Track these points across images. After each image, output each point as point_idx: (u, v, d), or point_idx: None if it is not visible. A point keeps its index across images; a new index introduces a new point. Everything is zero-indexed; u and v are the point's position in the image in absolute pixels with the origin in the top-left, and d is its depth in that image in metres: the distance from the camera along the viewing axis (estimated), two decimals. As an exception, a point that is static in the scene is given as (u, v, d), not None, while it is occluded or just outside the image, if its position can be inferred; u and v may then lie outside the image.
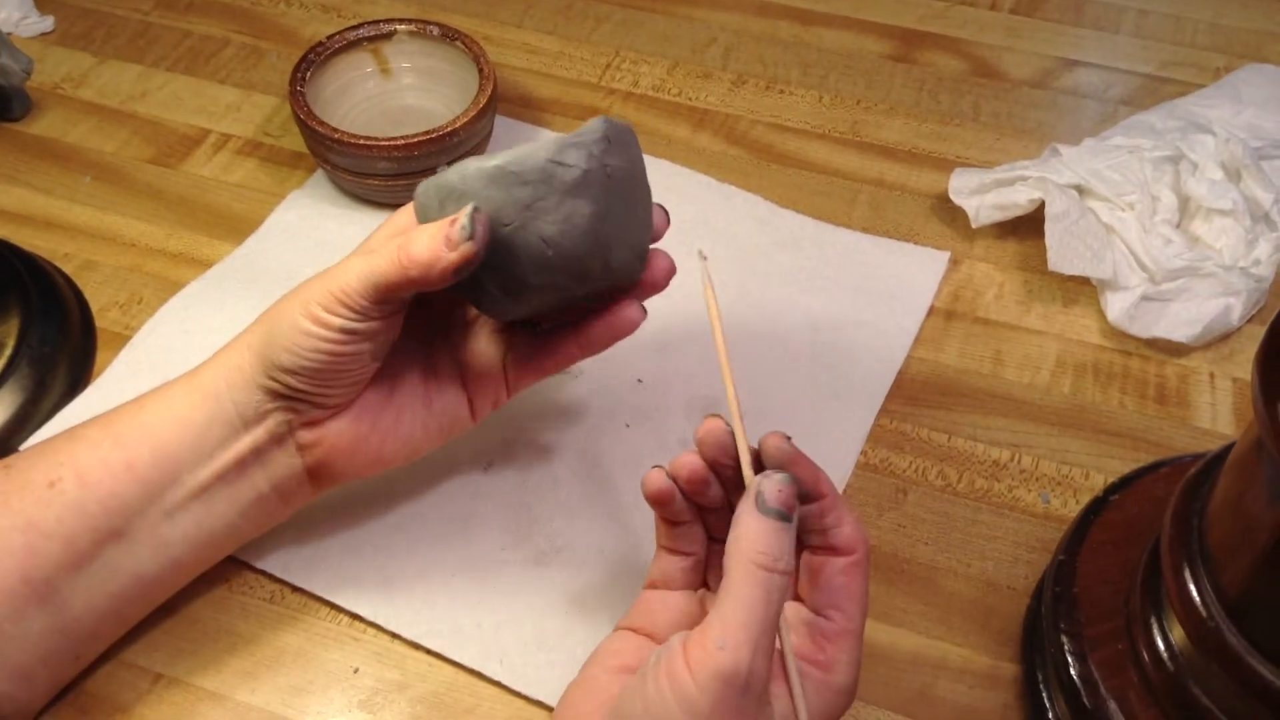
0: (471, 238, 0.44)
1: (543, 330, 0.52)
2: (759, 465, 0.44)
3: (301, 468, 0.50)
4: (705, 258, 0.48)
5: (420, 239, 0.44)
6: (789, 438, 0.44)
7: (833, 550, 0.44)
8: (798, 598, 0.45)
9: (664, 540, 0.48)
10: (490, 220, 0.45)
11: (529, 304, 0.48)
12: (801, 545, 0.45)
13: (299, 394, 0.48)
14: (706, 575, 0.48)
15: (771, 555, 0.40)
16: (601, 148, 0.46)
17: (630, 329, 0.51)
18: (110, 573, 0.49)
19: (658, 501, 0.46)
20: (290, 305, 0.47)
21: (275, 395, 0.48)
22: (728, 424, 0.45)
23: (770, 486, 0.41)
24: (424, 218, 0.47)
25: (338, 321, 0.46)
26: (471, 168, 0.45)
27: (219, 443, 0.49)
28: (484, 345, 0.53)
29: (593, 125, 0.46)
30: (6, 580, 0.46)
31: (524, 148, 0.46)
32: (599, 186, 0.46)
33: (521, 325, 0.53)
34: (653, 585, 0.48)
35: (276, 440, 0.49)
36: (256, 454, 0.49)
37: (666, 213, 0.51)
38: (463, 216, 0.44)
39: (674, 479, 0.45)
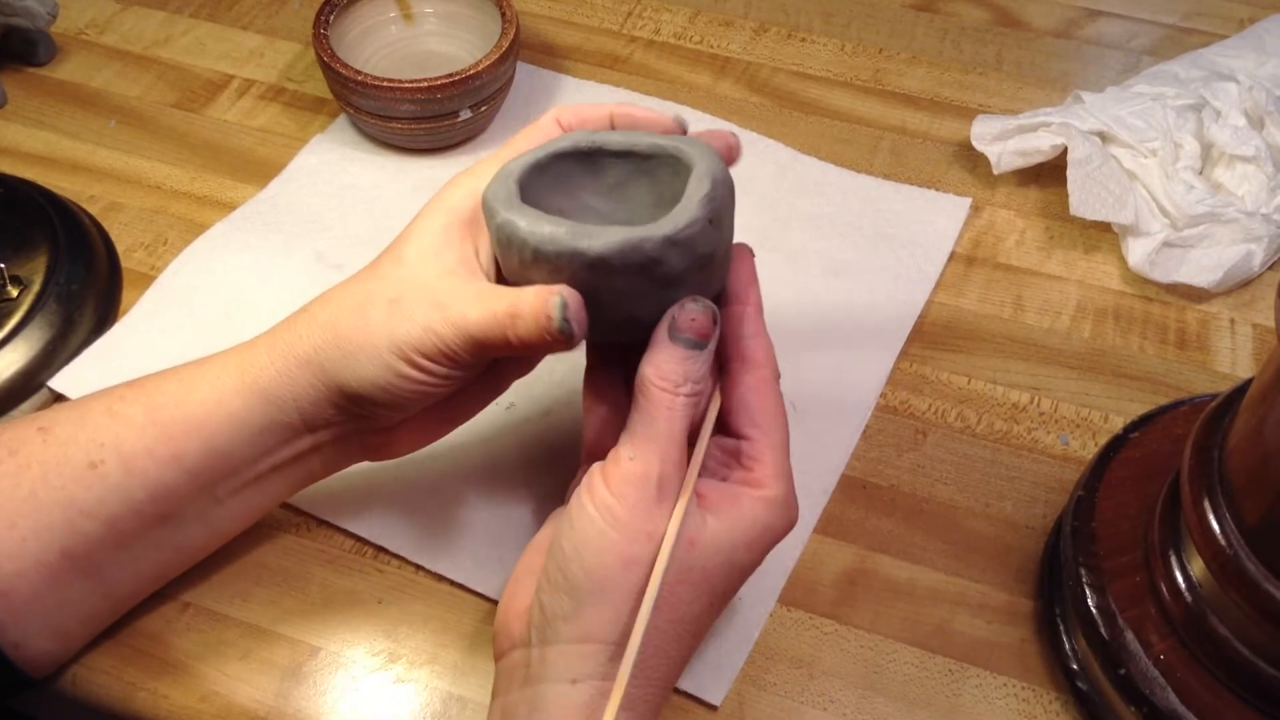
0: (571, 336, 0.42)
1: None
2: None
3: (361, 455, 0.51)
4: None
5: (527, 320, 0.43)
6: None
7: (743, 361, 0.46)
8: (729, 433, 0.46)
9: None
10: (583, 299, 0.43)
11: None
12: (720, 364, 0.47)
13: (375, 413, 0.48)
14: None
15: (672, 381, 0.43)
16: (705, 236, 0.43)
17: None
18: (155, 548, 0.49)
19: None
20: (373, 337, 0.45)
21: (348, 413, 0.48)
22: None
23: (684, 315, 0.44)
24: (501, 249, 0.45)
25: (442, 370, 0.45)
26: (566, 246, 0.42)
27: (279, 443, 0.48)
28: None
29: (695, 214, 0.43)
30: (46, 554, 0.46)
31: (624, 235, 0.42)
32: (694, 272, 0.44)
33: None
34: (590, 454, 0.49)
35: (340, 439, 0.49)
36: (317, 449, 0.49)
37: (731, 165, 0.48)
38: (557, 318, 0.42)
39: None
